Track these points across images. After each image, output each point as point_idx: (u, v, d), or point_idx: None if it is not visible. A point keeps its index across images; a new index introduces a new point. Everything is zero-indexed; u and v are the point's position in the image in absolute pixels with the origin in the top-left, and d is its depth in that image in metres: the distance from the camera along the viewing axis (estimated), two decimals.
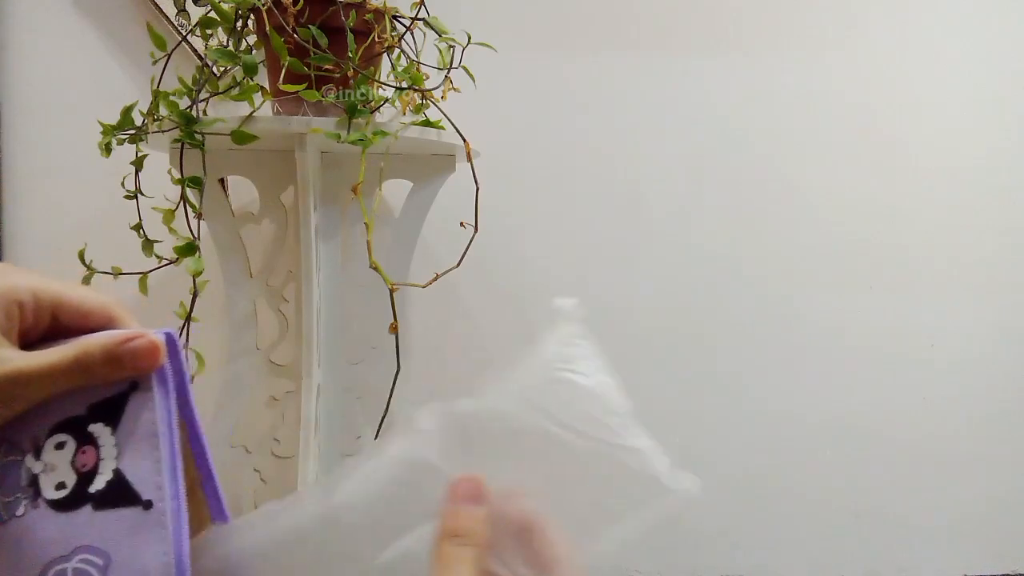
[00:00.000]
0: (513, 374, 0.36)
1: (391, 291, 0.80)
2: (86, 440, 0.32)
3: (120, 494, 0.31)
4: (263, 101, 0.79)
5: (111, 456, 0.32)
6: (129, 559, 0.31)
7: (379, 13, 0.82)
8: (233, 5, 0.80)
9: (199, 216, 0.82)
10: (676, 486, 0.34)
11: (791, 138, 1.19)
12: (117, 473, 0.32)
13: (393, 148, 0.84)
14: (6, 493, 0.32)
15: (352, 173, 0.78)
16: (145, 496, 0.31)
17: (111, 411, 0.33)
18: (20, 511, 0.32)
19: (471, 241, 0.87)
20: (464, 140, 0.86)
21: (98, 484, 0.32)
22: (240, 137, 0.78)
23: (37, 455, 0.32)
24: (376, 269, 0.79)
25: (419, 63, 0.86)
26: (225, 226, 0.91)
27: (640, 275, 1.18)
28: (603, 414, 0.35)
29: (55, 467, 0.32)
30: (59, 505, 0.31)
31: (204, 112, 0.80)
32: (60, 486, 0.32)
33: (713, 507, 1.18)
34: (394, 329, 0.83)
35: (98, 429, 0.32)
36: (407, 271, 0.94)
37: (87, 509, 0.31)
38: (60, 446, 0.32)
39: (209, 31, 0.83)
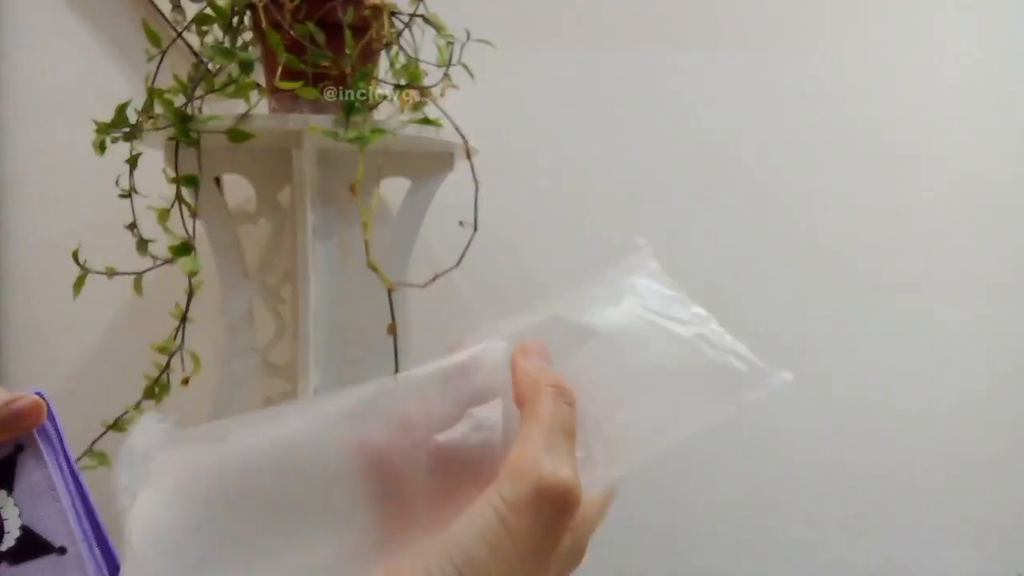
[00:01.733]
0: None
1: (389, 291, 0.79)
2: None
3: (33, 547, 0.33)
4: (259, 99, 0.79)
5: (14, 515, 0.34)
6: None
7: (377, 9, 0.81)
8: (229, 1, 0.79)
9: (194, 215, 0.81)
10: (772, 377, 0.37)
11: (793, 136, 1.18)
12: (24, 529, 0.34)
13: (391, 146, 0.83)
14: None
15: (350, 171, 0.77)
16: (58, 544, 0.33)
17: (3, 475, 0.34)
18: None
19: (470, 241, 0.86)
20: (463, 138, 0.85)
21: (8, 542, 0.33)
22: (236, 135, 0.77)
23: None
24: (374, 269, 0.78)
25: (418, 60, 0.85)
26: (221, 225, 0.90)
27: None
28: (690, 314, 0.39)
29: None
30: None
31: (199, 110, 0.79)
32: None
33: (713, 508, 1.18)
34: (392, 330, 0.82)
35: None
36: (406, 271, 0.93)
37: (3, 567, 0.33)
38: None
39: (205, 28, 0.82)
